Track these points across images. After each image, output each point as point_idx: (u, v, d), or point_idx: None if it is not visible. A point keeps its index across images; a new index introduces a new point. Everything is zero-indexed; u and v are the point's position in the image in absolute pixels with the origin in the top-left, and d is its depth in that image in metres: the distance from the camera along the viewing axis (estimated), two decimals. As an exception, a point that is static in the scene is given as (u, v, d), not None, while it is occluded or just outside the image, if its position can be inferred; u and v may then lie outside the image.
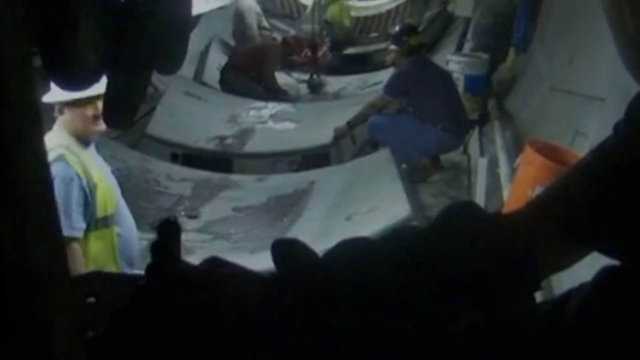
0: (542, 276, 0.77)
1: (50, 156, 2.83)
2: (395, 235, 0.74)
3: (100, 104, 2.37)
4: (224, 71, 8.42)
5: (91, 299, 0.73)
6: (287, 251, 0.65)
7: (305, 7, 12.01)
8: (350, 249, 0.70)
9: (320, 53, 9.49)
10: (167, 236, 0.68)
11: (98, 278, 0.79)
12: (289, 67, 9.54)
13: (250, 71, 8.36)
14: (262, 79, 8.55)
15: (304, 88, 9.52)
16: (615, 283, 0.67)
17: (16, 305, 0.40)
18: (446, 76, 6.17)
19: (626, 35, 0.68)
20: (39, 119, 0.36)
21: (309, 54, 9.52)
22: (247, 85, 8.24)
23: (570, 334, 0.65)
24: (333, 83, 9.78)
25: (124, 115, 0.79)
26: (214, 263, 0.67)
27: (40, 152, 0.37)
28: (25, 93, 0.33)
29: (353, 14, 11.86)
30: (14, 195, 0.36)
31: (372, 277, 0.66)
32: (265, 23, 10.30)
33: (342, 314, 0.62)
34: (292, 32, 10.80)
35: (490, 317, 0.67)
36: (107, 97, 0.79)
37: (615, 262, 0.71)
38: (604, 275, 0.68)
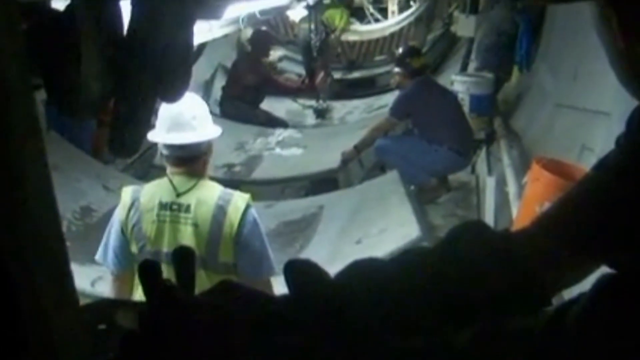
0: (552, 293, 0.77)
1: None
2: (405, 256, 0.74)
3: None
4: (222, 104, 8.32)
5: (102, 326, 0.73)
6: (300, 271, 0.66)
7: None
8: (362, 270, 0.70)
9: (318, 79, 9.43)
10: (179, 262, 0.69)
11: (110, 305, 0.80)
12: (287, 95, 9.45)
13: (245, 96, 8.24)
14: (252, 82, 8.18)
15: (310, 114, 9.53)
16: (613, 292, 0.67)
17: (24, 329, 0.40)
18: (451, 96, 6.19)
19: (616, 50, 0.69)
20: (40, 142, 0.37)
21: (307, 80, 9.47)
22: (246, 113, 8.16)
23: (570, 342, 0.65)
24: (339, 108, 9.79)
25: (129, 144, 0.80)
26: (225, 286, 0.68)
27: (42, 176, 0.38)
28: (27, 117, 0.34)
29: (357, 38, 11.87)
30: (18, 219, 0.37)
31: (383, 297, 0.67)
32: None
33: (355, 333, 0.62)
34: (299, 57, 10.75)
35: (492, 327, 0.67)
36: (112, 125, 0.80)
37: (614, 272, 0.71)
38: (602, 284, 0.68)
